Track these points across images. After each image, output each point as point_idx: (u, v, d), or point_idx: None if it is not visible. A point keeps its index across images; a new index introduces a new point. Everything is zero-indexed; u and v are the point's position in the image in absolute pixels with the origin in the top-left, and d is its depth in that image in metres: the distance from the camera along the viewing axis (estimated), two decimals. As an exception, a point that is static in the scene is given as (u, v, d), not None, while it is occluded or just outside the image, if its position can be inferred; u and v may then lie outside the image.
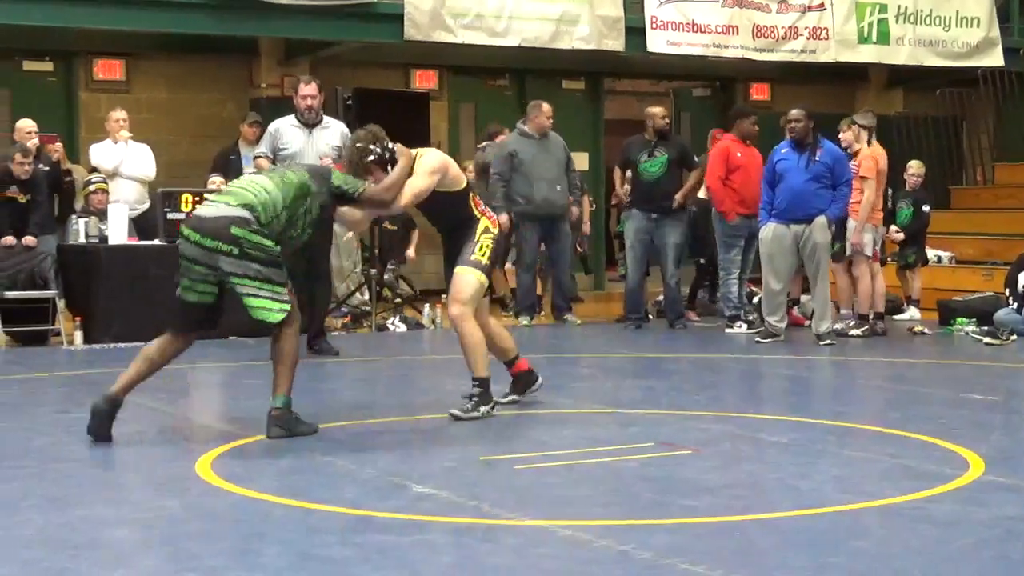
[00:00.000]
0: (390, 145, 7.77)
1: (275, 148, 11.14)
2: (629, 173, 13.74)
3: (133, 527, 5.36)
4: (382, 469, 6.44)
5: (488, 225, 7.97)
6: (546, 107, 13.98)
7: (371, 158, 7.70)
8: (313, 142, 11.10)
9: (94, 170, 13.50)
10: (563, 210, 13.92)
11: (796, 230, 11.92)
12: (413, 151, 7.89)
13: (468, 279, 7.85)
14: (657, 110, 13.80)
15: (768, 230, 12.05)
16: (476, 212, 7.97)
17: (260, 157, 11.23)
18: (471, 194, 8.01)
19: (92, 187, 13.07)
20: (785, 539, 5.18)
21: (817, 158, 11.87)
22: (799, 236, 11.92)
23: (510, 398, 8.33)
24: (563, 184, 13.86)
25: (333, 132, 11.24)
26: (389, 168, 7.69)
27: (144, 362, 7.29)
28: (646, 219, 13.41)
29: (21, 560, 4.86)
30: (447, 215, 8.00)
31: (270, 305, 7.12)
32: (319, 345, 11.09)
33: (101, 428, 7.16)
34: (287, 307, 7.16)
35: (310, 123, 11.16)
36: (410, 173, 7.72)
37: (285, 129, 11.20)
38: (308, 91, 11.17)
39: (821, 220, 11.85)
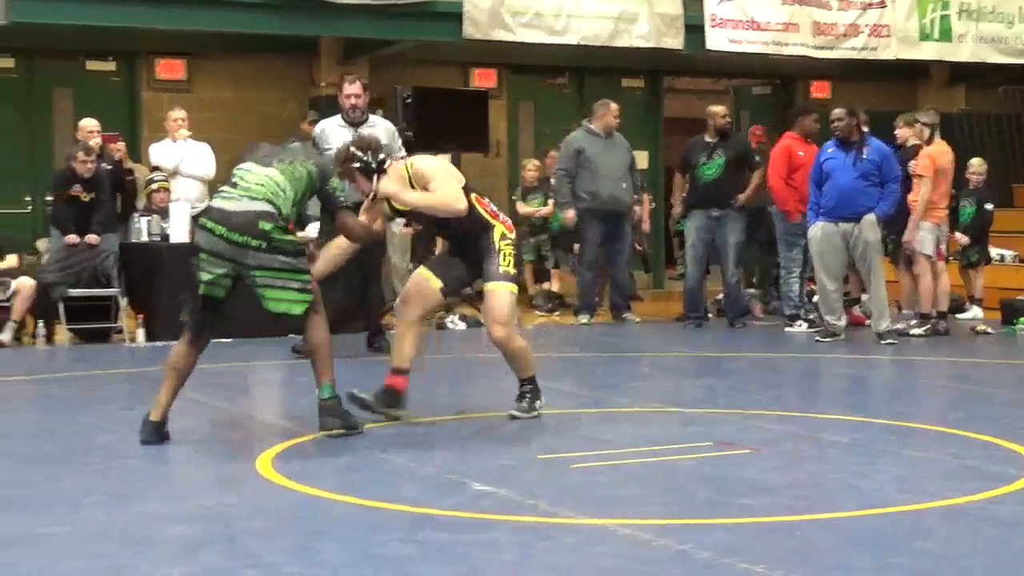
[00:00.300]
0: (384, 160, 7.54)
1: (321, 149, 10.90)
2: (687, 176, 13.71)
3: (194, 523, 5.40)
4: (441, 467, 6.45)
5: (504, 231, 7.68)
6: (614, 106, 13.95)
7: (356, 164, 7.51)
8: None
9: (156, 169, 13.60)
10: (627, 208, 13.90)
11: (845, 228, 11.84)
12: (402, 162, 7.71)
13: (503, 297, 7.63)
14: (718, 109, 13.74)
15: (817, 229, 11.99)
16: (486, 216, 7.66)
17: None
18: (474, 195, 7.67)
19: (154, 186, 13.17)
20: (846, 539, 5.15)
21: (864, 156, 11.79)
22: (848, 235, 11.84)
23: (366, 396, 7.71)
24: (628, 182, 13.84)
25: (378, 132, 11.11)
26: (374, 180, 7.49)
27: (172, 375, 7.20)
28: (706, 218, 13.36)
29: (85, 555, 4.90)
30: (455, 220, 7.62)
31: (291, 296, 7.05)
32: (377, 343, 11.12)
33: (153, 440, 7.16)
34: (309, 297, 7.10)
35: (355, 122, 11.04)
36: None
37: (331, 129, 11.08)
38: (353, 90, 11.06)
39: (870, 218, 11.77)
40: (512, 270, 7.69)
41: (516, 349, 7.79)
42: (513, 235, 7.78)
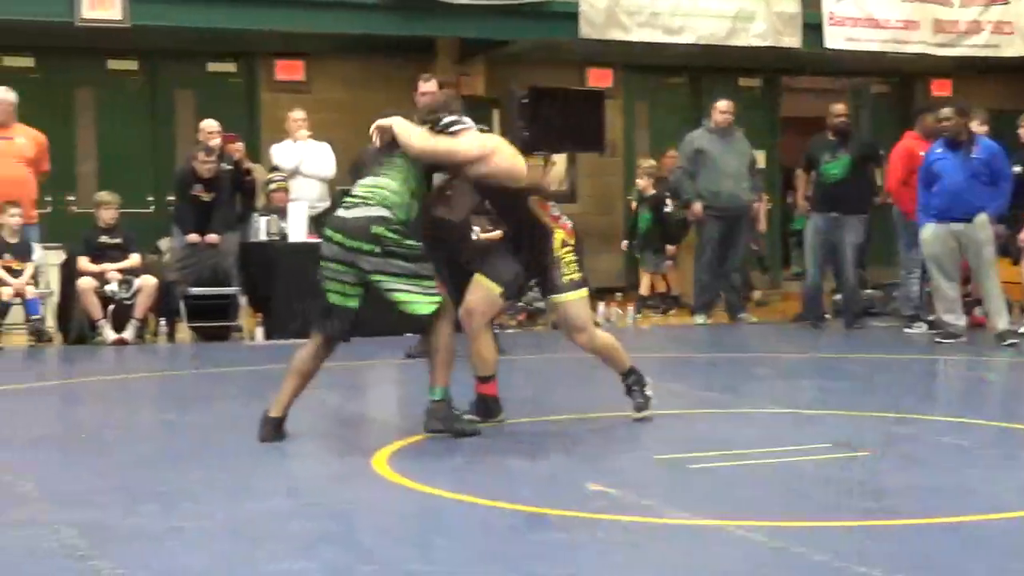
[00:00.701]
0: (452, 123, 7.44)
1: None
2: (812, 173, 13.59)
3: (311, 520, 5.46)
4: (556, 467, 6.46)
5: (564, 237, 7.53)
6: (719, 104, 13.90)
7: (427, 124, 7.46)
8: None
9: (275, 169, 13.76)
10: (745, 208, 13.82)
11: (956, 229, 11.68)
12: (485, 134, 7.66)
13: (574, 307, 7.54)
14: (835, 107, 13.60)
15: (928, 231, 11.84)
16: (545, 220, 7.52)
17: None
18: (535, 198, 7.52)
19: (273, 186, 13.32)
20: (965, 544, 5.08)
21: (973, 155, 11.62)
22: (960, 235, 11.68)
23: (470, 417, 7.66)
24: (747, 182, 13.76)
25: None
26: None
27: (296, 376, 7.27)
28: (827, 218, 13.21)
29: (206, 550, 4.98)
30: (506, 211, 7.63)
31: (419, 299, 7.07)
32: (413, 350, 10.76)
33: (271, 437, 7.23)
34: (438, 300, 7.11)
35: (430, 121, 10.85)
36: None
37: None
38: (428, 88, 10.85)
39: (982, 218, 11.61)
40: (576, 276, 7.53)
41: (603, 348, 7.73)
42: (573, 240, 7.61)
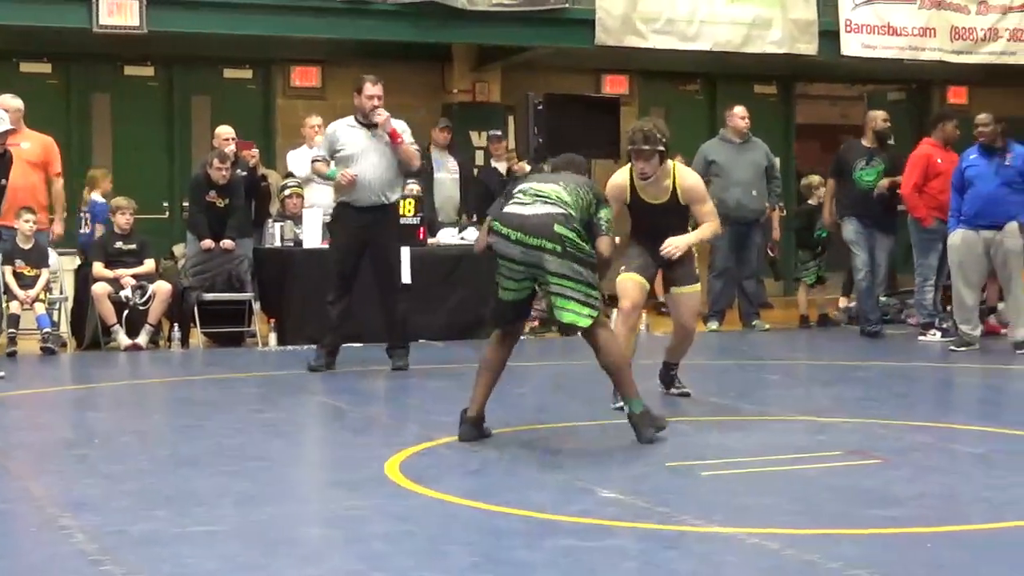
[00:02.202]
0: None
1: (332, 150, 10.66)
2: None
3: (323, 526, 5.47)
4: (568, 473, 6.46)
5: None
6: (738, 109, 13.87)
7: (661, 148, 8.00)
8: (374, 142, 10.54)
9: (289, 175, 13.77)
10: (756, 216, 13.77)
11: (987, 236, 11.65)
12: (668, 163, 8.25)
13: (697, 297, 8.54)
14: (878, 113, 13.53)
15: (957, 236, 11.80)
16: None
17: (318, 160, 10.84)
18: None
19: (287, 192, 13.33)
20: (978, 553, 5.06)
21: (1007, 162, 11.59)
22: (990, 242, 11.65)
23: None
24: (759, 189, 13.71)
25: (398, 127, 10.71)
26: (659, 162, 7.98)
27: (488, 373, 7.25)
28: (863, 224, 13.11)
29: (218, 555, 4.99)
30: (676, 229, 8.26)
31: (580, 309, 7.02)
32: (398, 359, 10.71)
33: (473, 436, 7.22)
34: (596, 312, 7.09)
35: (372, 123, 10.60)
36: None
37: (343, 130, 10.66)
38: (376, 91, 10.65)
39: (1013, 226, 11.57)
40: (697, 271, 8.46)
41: (693, 335, 8.65)
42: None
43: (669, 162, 8.23)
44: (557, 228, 6.94)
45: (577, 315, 7.01)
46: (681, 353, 8.81)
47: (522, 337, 12.96)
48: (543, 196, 7.06)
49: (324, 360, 10.50)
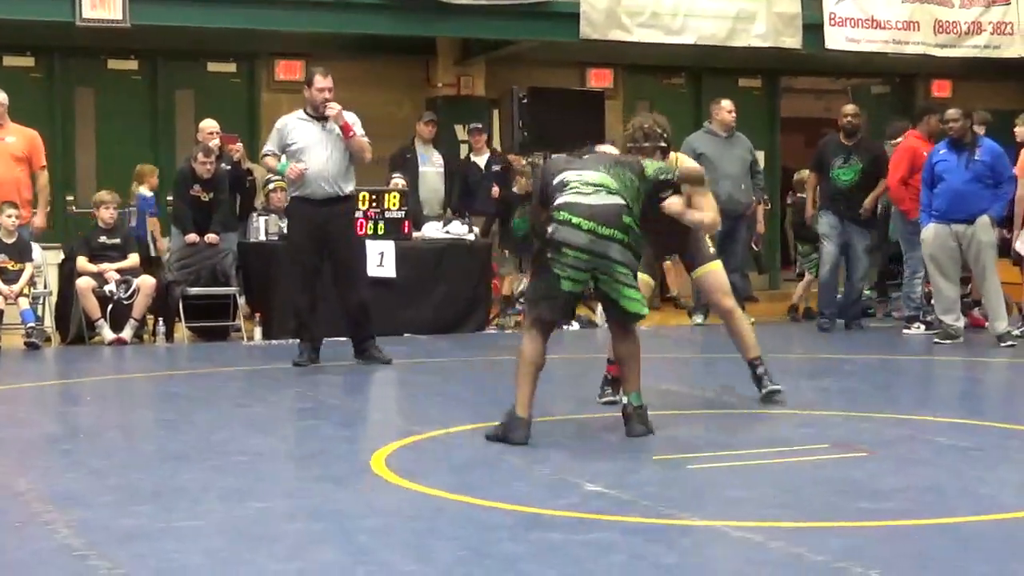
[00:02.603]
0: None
1: (283, 144, 10.52)
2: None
3: (309, 520, 5.46)
4: (554, 467, 6.46)
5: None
6: (725, 103, 13.83)
7: (662, 143, 7.93)
8: (325, 135, 10.41)
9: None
10: (744, 209, 13.76)
11: (958, 230, 11.67)
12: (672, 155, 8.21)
13: (721, 273, 8.44)
14: (847, 108, 13.50)
15: (929, 231, 11.82)
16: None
17: (268, 155, 10.63)
18: None
19: (271, 186, 13.30)
20: (963, 545, 5.07)
21: (977, 157, 11.61)
22: (961, 236, 11.67)
23: (610, 397, 8.29)
24: (746, 183, 13.70)
25: (350, 119, 10.54)
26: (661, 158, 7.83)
27: (535, 371, 7.14)
28: (839, 220, 13.12)
29: (203, 550, 4.98)
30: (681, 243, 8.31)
31: (640, 298, 7.14)
32: (368, 350, 10.62)
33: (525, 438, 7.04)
34: (645, 301, 7.25)
35: (323, 116, 10.46)
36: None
37: (294, 124, 10.52)
38: (327, 84, 10.47)
39: (984, 219, 11.60)
40: (715, 249, 8.49)
41: (741, 319, 8.55)
42: None
43: (672, 155, 8.22)
44: (625, 218, 6.97)
45: (640, 304, 7.14)
46: (742, 340, 8.43)
47: (507, 331, 13.11)
48: (606, 186, 7.04)
49: (308, 355, 10.48)
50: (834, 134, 13.44)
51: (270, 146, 10.66)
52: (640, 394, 7.22)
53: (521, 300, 13.87)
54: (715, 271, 8.39)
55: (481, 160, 15.01)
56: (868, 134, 14.10)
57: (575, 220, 6.93)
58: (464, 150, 16.28)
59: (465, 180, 14.86)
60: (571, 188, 7.05)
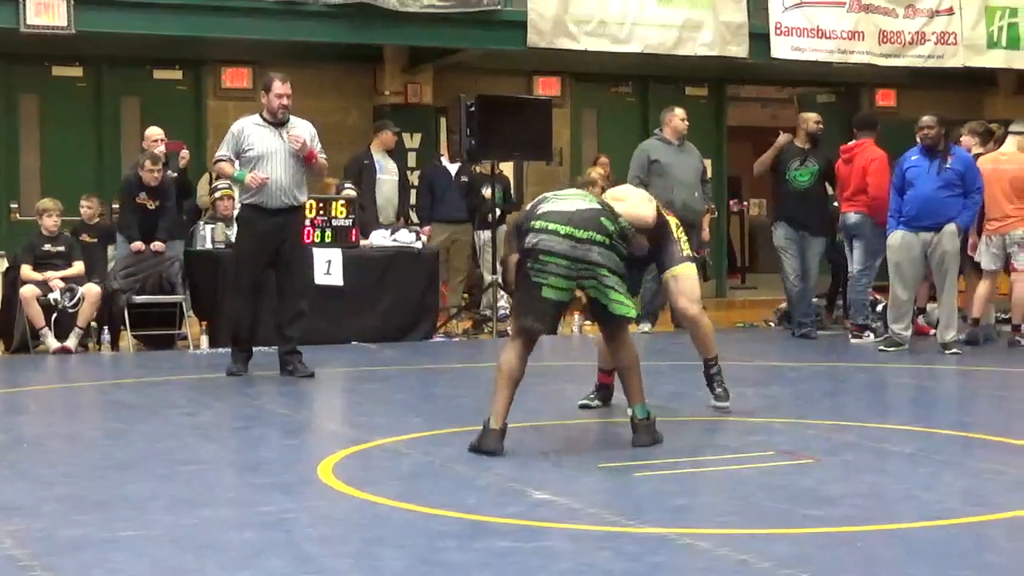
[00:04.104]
0: None
1: (239, 150, 10.28)
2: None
3: (256, 529, 5.43)
4: (501, 475, 6.46)
5: (676, 221, 8.38)
6: (678, 111, 13.86)
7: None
8: (283, 143, 10.25)
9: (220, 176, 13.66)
10: (697, 217, 13.78)
11: (925, 238, 11.73)
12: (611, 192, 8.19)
13: (694, 277, 8.32)
14: (811, 115, 13.55)
15: (896, 237, 11.87)
16: (668, 216, 8.27)
17: (222, 160, 10.40)
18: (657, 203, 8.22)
19: (218, 194, 13.24)
20: (909, 551, 5.11)
21: (948, 165, 11.68)
22: (927, 244, 11.74)
23: (596, 403, 8.36)
24: (699, 191, 13.73)
25: (301, 132, 10.41)
26: None
27: (511, 384, 6.97)
28: (793, 229, 13.15)
29: (150, 559, 4.95)
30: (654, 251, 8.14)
31: (627, 301, 7.05)
32: (291, 365, 10.39)
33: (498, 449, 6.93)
34: (634, 304, 7.19)
35: (280, 122, 10.35)
36: None
37: (251, 129, 10.32)
38: (285, 90, 10.37)
39: (951, 228, 11.66)
40: (690, 252, 8.29)
41: (706, 325, 8.38)
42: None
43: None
44: (603, 220, 6.94)
45: (628, 307, 7.05)
46: (701, 344, 8.42)
47: (455, 339, 13.11)
48: (581, 195, 7.09)
49: (244, 365, 10.39)
50: (790, 138, 13.46)
51: (224, 151, 10.39)
52: (645, 405, 7.15)
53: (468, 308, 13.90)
54: (683, 275, 8.25)
55: (453, 167, 14.83)
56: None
57: (552, 226, 6.88)
58: (412, 158, 16.30)
59: (432, 186, 14.74)
60: (546, 200, 7.09)
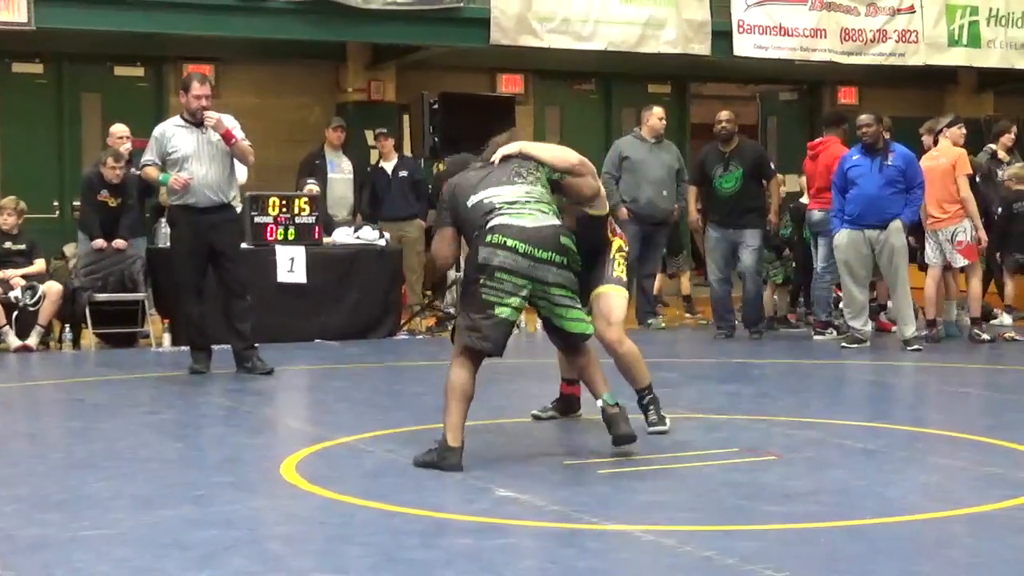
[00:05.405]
0: None
1: (163, 153, 10.28)
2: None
3: (219, 528, 5.41)
4: (465, 472, 6.45)
5: (621, 244, 7.73)
6: (657, 110, 13.90)
7: None
8: (205, 141, 10.22)
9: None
10: (664, 215, 13.77)
11: (871, 235, 11.79)
12: None
13: (618, 299, 7.56)
14: (721, 113, 13.42)
15: (843, 236, 11.93)
16: (610, 235, 7.68)
17: (148, 165, 10.39)
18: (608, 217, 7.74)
19: (170, 194, 13.17)
20: (871, 547, 5.13)
21: (889, 162, 11.75)
22: (874, 241, 11.80)
23: (550, 413, 8.08)
24: (670, 190, 13.71)
25: (227, 122, 10.36)
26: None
27: (464, 401, 6.65)
28: (725, 229, 13.14)
29: (112, 559, 4.92)
30: (590, 239, 7.49)
31: (584, 317, 6.91)
32: (249, 361, 10.39)
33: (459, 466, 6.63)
34: (590, 318, 7.07)
35: (200, 122, 10.27)
36: None
37: (172, 131, 10.32)
38: (203, 91, 10.32)
39: (896, 224, 11.73)
40: (624, 276, 7.64)
41: (628, 353, 7.59)
42: (628, 248, 7.84)
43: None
44: (563, 240, 6.71)
45: (585, 324, 6.89)
46: (631, 378, 7.70)
47: (419, 336, 13.10)
48: (539, 207, 6.75)
49: (205, 363, 10.38)
50: (713, 143, 13.42)
51: (149, 156, 10.39)
52: (612, 394, 6.93)
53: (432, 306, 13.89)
54: (608, 295, 7.55)
55: (389, 165, 14.93)
56: (777, 140, 14.23)
57: (510, 243, 6.58)
58: (374, 156, 16.27)
59: (373, 187, 14.82)
60: (500, 212, 6.71)
